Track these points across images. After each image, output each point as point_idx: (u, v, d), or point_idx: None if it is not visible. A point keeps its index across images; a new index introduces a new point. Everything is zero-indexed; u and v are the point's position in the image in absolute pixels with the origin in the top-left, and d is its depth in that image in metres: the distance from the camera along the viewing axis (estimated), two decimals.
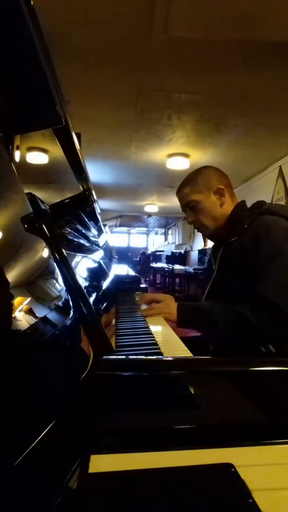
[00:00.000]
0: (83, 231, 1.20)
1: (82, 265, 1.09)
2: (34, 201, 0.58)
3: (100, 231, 1.70)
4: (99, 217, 1.33)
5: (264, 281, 1.03)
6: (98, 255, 1.68)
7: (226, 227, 1.25)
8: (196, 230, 1.37)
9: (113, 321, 1.12)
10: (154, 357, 0.68)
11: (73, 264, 0.83)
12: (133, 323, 1.08)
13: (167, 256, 10.37)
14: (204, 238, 7.95)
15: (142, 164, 5.42)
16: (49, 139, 3.99)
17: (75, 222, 0.96)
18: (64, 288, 0.55)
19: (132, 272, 3.11)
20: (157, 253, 12.94)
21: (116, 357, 0.54)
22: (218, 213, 1.26)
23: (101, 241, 1.88)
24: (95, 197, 1.11)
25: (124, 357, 0.61)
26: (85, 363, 0.47)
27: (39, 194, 0.62)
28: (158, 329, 1.03)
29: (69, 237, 1.02)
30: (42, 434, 0.32)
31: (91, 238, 1.44)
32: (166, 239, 14.21)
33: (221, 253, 1.28)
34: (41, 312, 0.42)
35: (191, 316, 1.13)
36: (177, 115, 3.63)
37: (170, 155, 4.89)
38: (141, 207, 9.45)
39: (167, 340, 0.91)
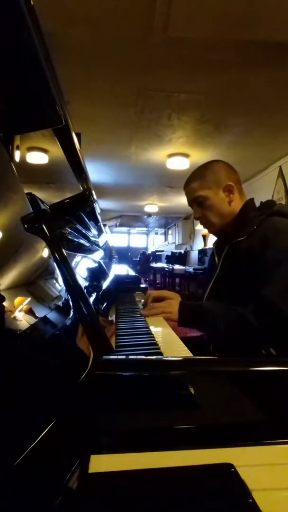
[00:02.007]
0: (83, 231, 1.20)
1: (82, 265, 1.09)
2: (34, 201, 0.58)
3: (100, 231, 1.70)
4: (99, 217, 1.33)
5: (270, 284, 1.02)
6: (98, 255, 1.68)
7: (233, 226, 1.22)
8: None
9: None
10: (154, 357, 0.68)
11: (73, 264, 0.83)
12: (133, 323, 1.08)
13: (167, 256, 10.36)
14: (204, 238, 7.95)
15: (142, 164, 5.42)
16: (49, 139, 4.00)
17: (75, 222, 0.96)
18: (64, 288, 0.55)
19: (132, 272, 3.11)
20: (157, 253, 12.92)
21: (116, 357, 0.54)
22: (226, 211, 1.23)
23: (101, 241, 1.88)
24: (95, 197, 1.11)
25: (124, 357, 0.61)
26: (85, 363, 0.47)
27: (39, 194, 0.62)
28: (158, 329, 1.03)
29: (69, 237, 1.02)
30: (42, 434, 0.32)
31: (91, 238, 1.44)
32: (166, 239, 14.20)
33: (226, 252, 1.26)
34: (41, 312, 0.42)
35: (192, 316, 1.13)
36: (177, 115, 3.64)
37: (170, 155, 4.89)
38: (141, 207, 9.45)
39: (167, 340, 0.91)
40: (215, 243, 1.39)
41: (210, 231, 1.33)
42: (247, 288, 1.08)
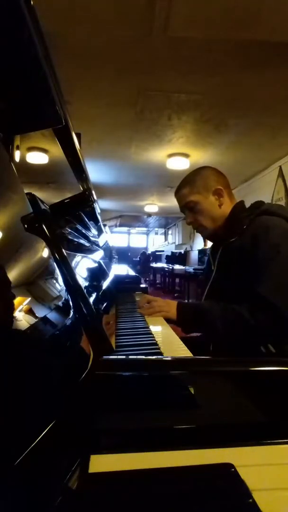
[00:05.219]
0: (83, 231, 1.20)
1: (82, 265, 1.09)
2: (34, 201, 0.58)
3: (100, 231, 1.70)
4: (99, 217, 1.33)
5: (263, 282, 1.03)
6: (98, 255, 1.68)
7: (225, 228, 1.25)
8: (195, 230, 1.38)
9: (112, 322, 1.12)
10: (154, 357, 0.68)
11: (73, 264, 0.83)
12: (133, 323, 1.08)
13: (167, 256, 10.36)
14: (204, 238, 7.95)
15: (142, 164, 5.41)
16: (49, 139, 3.99)
17: (75, 222, 0.96)
18: (64, 288, 0.55)
19: (132, 272, 3.11)
20: (157, 253, 12.92)
21: (116, 357, 0.54)
22: (217, 214, 1.26)
23: (101, 241, 1.88)
24: (95, 197, 1.11)
25: (124, 357, 0.61)
26: (85, 363, 0.47)
27: (39, 194, 0.62)
28: (158, 329, 1.03)
29: (69, 237, 1.02)
30: (42, 434, 0.32)
31: (91, 238, 1.44)
32: (166, 239, 14.19)
33: (220, 254, 1.28)
34: (41, 312, 0.42)
35: (190, 315, 1.14)
36: (177, 115, 3.63)
37: (170, 155, 4.88)
38: (141, 207, 9.44)
39: (167, 340, 0.91)
40: (211, 247, 1.42)
41: (203, 235, 1.36)
42: (242, 287, 1.09)
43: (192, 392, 0.46)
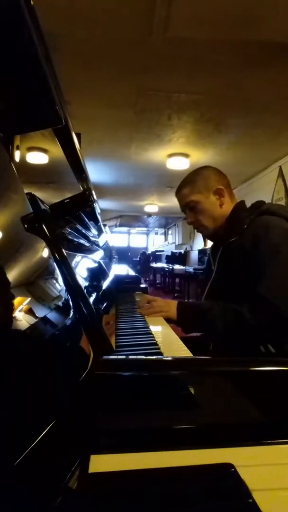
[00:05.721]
0: (83, 231, 1.20)
1: (82, 265, 1.09)
2: (34, 201, 0.58)
3: (100, 231, 1.70)
4: (99, 217, 1.33)
5: (263, 282, 1.03)
6: (98, 255, 1.68)
7: (225, 228, 1.25)
8: (196, 230, 1.38)
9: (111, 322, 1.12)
10: (154, 357, 0.68)
11: (73, 264, 0.83)
12: (133, 323, 1.08)
13: (167, 256, 10.36)
14: (204, 238, 7.95)
15: (142, 164, 5.41)
16: (49, 139, 3.99)
17: (75, 222, 0.96)
18: (64, 288, 0.55)
19: (132, 272, 3.11)
20: (157, 253, 12.93)
21: (116, 357, 0.54)
22: (218, 214, 1.26)
23: (101, 241, 1.88)
24: (95, 197, 1.11)
25: (124, 357, 0.61)
26: (85, 363, 0.47)
27: (39, 194, 0.62)
28: (158, 329, 1.03)
29: (69, 237, 1.02)
30: (42, 434, 0.32)
31: (91, 238, 1.44)
32: (166, 239, 14.19)
33: (220, 253, 1.28)
34: (41, 312, 0.42)
35: (190, 315, 1.14)
36: (177, 115, 3.63)
37: (170, 155, 4.88)
38: (141, 207, 9.44)
39: (167, 340, 0.91)
40: (211, 247, 1.42)
41: (203, 235, 1.36)
42: (243, 287, 1.09)
43: (192, 392, 0.46)
